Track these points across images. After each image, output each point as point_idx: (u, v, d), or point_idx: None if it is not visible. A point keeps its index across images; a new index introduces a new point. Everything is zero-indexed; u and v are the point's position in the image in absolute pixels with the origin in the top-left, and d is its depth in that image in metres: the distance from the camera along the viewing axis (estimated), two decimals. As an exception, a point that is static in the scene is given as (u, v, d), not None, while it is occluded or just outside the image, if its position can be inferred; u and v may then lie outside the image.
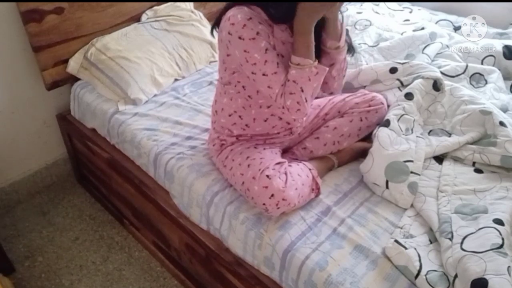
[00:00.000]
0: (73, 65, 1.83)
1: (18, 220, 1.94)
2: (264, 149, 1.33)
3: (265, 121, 1.33)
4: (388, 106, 1.51)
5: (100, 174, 1.89)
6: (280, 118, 1.34)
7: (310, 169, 1.29)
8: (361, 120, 1.43)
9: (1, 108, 1.81)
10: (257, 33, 1.13)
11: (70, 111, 1.94)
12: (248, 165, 1.24)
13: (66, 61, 1.83)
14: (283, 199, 1.17)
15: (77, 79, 1.88)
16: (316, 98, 1.45)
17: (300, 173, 1.25)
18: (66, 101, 1.95)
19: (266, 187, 1.17)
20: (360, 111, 1.44)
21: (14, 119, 1.87)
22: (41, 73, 1.78)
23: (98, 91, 1.79)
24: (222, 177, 1.37)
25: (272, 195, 1.17)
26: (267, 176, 1.19)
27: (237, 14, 1.13)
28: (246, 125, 1.34)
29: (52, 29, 1.72)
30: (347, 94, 1.51)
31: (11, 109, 1.85)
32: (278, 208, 1.17)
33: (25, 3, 1.61)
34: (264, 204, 1.18)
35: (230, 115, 1.34)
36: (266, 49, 1.14)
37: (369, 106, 1.45)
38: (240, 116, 1.33)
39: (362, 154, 1.41)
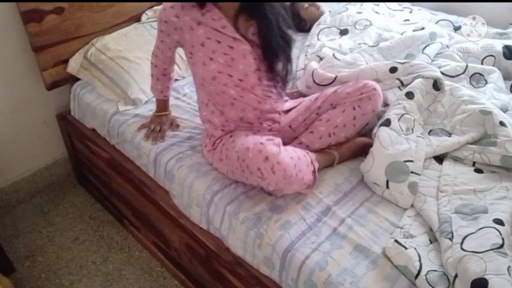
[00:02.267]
0: (73, 65, 1.83)
1: (18, 220, 1.94)
2: (255, 134, 1.35)
3: (243, 110, 1.37)
4: (388, 105, 1.51)
5: (100, 174, 1.89)
6: (255, 109, 1.37)
7: (307, 152, 1.29)
8: (354, 108, 1.41)
9: (1, 108, 1.81)
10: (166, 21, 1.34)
11: (70, 111, 1.94)
12: (242, 143, 1.24)
13: (66, 61, 1.83)
14: (278, 163, 1.15)
15: (77, 79, 1.88)
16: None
17: (295, 150, 1.26)
18: (66, 101, 1.95)
19: (260, 151, 1.16)
20: (352, 100, 1.41)
21: (14, 119, 1.87)
22: (41, 73, 1.78)
23: (98, 91, 1.79)
24: (222, 176, 1.38)
25: (267, 158, 1.15)
26: (261, 143, 1.18)
27: (167, 5, 1.33)
28: (221, 111, 1.38)
29: (52, 29, 1.72)
30: (338, 86, 1.50)
31: (11, 109, 1.85)
32: (274, 173, 1.15)
33: (25, 3, 1.61)
34: (259, 169, 1.16)
35: (206, 105, 1.41)
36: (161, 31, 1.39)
37: (361, 93, 1.42)
38: (213, 104, 1.39)
39: (363, 149, 1.41)
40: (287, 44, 1.35)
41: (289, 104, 1.53)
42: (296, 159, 1.22)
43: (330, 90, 1.48)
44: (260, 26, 1.30)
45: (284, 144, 1.44)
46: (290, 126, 1.47)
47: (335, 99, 1.44)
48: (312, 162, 1.28)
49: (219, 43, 1.29)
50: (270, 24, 1.28)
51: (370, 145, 1.36)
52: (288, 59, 1.37)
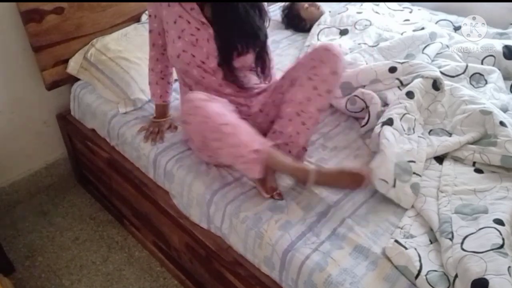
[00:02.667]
0: (73, 66, 1.83)
1: (18, 220, 1.94)
2: None
3: (206, 89, 1.39)
4: (387, 105, 1.51)
5: (100, 174, 1.89)
6: (215, 90, 1.39)
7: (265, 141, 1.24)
8: (311, 78, 1.29)
9: (1, 108, 1.81)
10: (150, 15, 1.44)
11: (70, 111, 1.93)
12: None
13: (66, 61, 1.83)
14: (197, 107, 1.16)
15: (77, 79, 1.88)
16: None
17: (248, 125, 1.23)
18: (66, 101, 1.95)
19: (189, 98, 1.21)
20: (307, 71, 1.31)
21: (14, 119, 1.87)
22: (41, 73, 1.78)
23: (98, 92, 1.79)
24: (220, 174, 1.38)
25: (190, 100, 1.19)
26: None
27: None
28: (190, 89, 1.44)
29: (52, 29, 1.72)
30: (298, 59, 1.47)
31: (11, 109, 1.85)
32: (193, 115, 1.18)
33: (25, 3, 1.61)
34: (184, 113, 1.21)
35: (184, 85, 1.48)
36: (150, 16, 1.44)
37: (312, 59, 1.31)
38: (187, 83, 1.46)
39: (352, 181, 1.24)
40: (251, 38, 1.35)
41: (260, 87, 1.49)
42: (234, 122, 1.20)
43: (290, 66, 1.44)
44: (215, 17, 1.33)
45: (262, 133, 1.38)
46: (261, 111, 1.46)
47: (293, 75, 1.38)
48: (262, 143, 1.20)
49: (188, 23, 1.35)
50: (225, 17, 1.32)
51: (362, 178, 1.23)
52: (258, 54, 1.39)
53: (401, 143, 1.31)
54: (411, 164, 1.27)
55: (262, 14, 1.38)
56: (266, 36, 1.40)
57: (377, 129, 1.38)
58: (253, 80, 1.46)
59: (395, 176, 1.25)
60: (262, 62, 1.44)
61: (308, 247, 1.14)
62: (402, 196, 1.24)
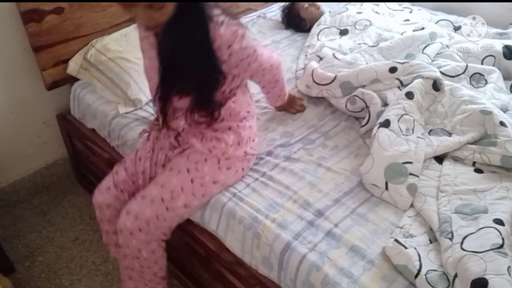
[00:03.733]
0: (73, 66, 1.83)
1: (18, 220, 1.94)
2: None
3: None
4: (388, 105, 1.51)
5: (100, 174, 1.88)
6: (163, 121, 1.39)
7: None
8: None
9: (1, 108, 1.81)
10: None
11: (70, 111, 1.94)
12: None
13: (66, 61, 1.83)
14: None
15: (77, 79, 1.88)
16: None
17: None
18: (66, 101, 1.95)
19: None
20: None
21: (14, 119, 1.87)
22: (41, 73, 1.78)
23: (98, 92, 1.79)
24: None
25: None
26: None
27: None
28: None
29: (52, 29, 1.72)
30: None
31: (11, 109, 1.85)
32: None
33: (25, 3, 1.62)
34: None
35: None
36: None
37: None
38: None
39: None
40: (186, 84, 1.19)
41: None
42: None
43: None
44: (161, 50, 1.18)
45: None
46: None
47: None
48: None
49: (151, 45, 1.23)
50: (168, 53, 1.15)
51: None
52: (196, 100, 1.22)
53: (397, 145, 1.31)
54: (408, 165, 1.27)
55: (216, 71, 1.19)
56: (204, 90, 1.22)
57: (374, 130, 1.38)
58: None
59: (387, 179, 1.25)
60: (200, 109, 1.24)
61: (305, 246, 1.14)
62: (397, 197, 1.24)
